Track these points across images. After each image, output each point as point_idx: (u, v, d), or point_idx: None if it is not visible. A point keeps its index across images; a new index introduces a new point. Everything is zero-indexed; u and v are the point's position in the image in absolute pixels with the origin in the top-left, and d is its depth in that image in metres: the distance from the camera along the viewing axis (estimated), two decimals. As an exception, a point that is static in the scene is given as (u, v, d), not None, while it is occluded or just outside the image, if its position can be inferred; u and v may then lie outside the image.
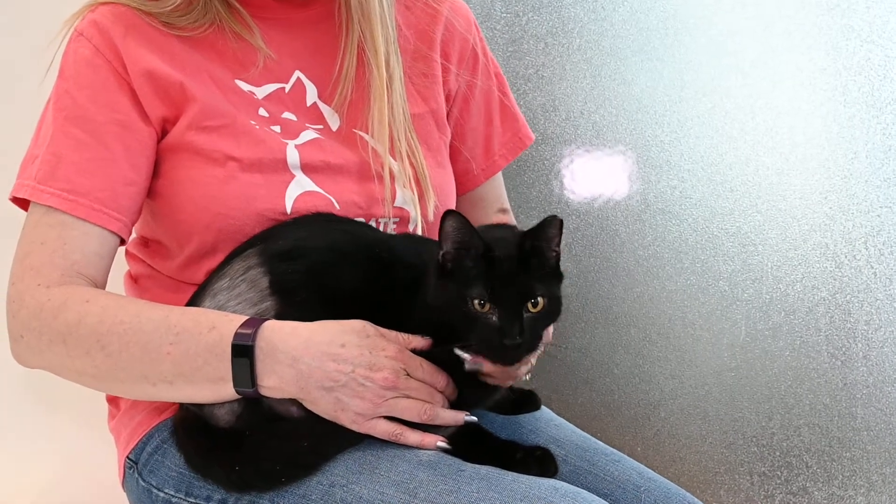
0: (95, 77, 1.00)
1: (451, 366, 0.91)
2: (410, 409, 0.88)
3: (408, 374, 0.88)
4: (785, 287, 1.59)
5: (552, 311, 0.89)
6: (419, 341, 0.91)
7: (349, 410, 0.87)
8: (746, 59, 1.58)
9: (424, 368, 0.90)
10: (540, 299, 0.87)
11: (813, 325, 1.58)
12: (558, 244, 0.90)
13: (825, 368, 1.58)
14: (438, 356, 0.91)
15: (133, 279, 1.13)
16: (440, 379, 0.91)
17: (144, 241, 1.11)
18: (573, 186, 1.63)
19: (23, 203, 1.00)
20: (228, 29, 1.06)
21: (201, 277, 1.01)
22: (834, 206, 1.58)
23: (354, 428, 0.88)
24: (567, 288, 1.60)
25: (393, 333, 0.90)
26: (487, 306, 0.86)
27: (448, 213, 0.87)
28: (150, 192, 1.03)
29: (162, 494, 0.95)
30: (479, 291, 0.85)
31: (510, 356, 0.87)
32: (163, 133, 1.02)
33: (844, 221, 1.58)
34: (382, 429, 0.88)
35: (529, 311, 0.86)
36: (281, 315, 0.91)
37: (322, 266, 0.93)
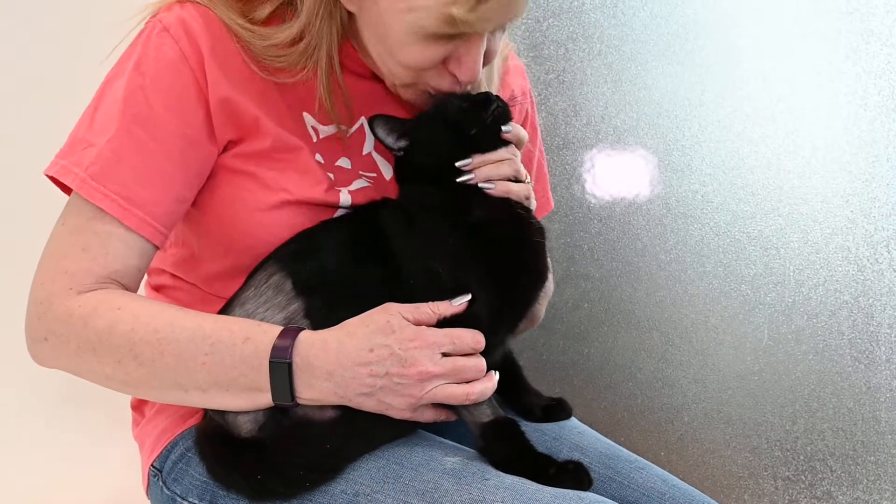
0: (176, 83, 0.93)
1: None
2: (452, 397, 0.87)
3: (444, 354, 0.87)
4: (807, 291, 1.59)
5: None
6: (448, 308, 0.89)
7: (393, 408, 0.87)
8: (766, 63, 1.59)
9: (458, 339, 0.88)
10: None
11: (836, 328, 1.58)
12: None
13: (848, 372, 1.58)
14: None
15: (155, 290, 1.12)
16: (478, 339, 0.89)
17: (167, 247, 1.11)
18: (595, 190, 1.63)
19: (60, 184, 0.94)
20: (320, 83, 1.00)
21: (227, 294, 1.00)
22: (855, 209, 1.58)
23: (404, 419, 0.88)
24: (590, 292, 1.62)
25: (420, 310, 0.88)
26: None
27: (371, 119, 0.98)
28: (194, 202, 1.00)
29: (186, 503, 0.94)
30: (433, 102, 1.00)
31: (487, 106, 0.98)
32: (223, 150, 0.98)
33: (866, 225, 1.57)
34: (430, 417, 0.89)
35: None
36: (311, 312, 0.91)
37: (333, 255, 0.94)
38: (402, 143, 0.99)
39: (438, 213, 0.95)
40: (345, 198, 1.01)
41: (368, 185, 1.05)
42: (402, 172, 1.02)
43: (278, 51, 0.97)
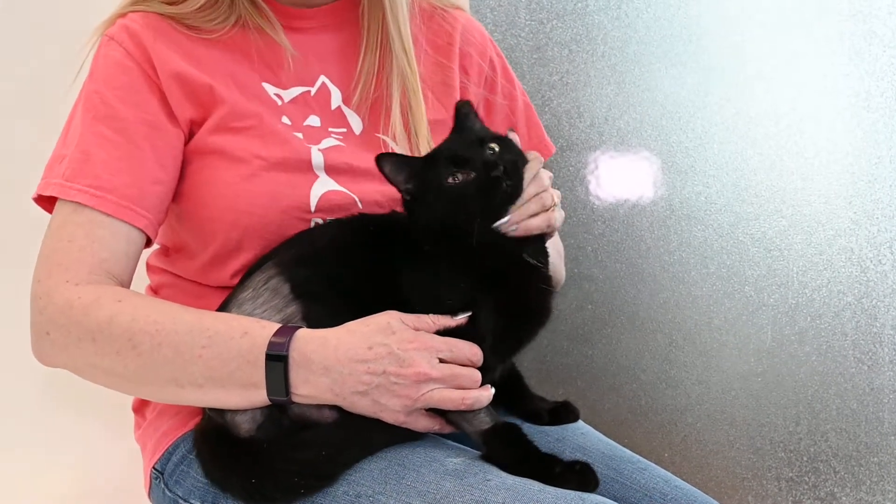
0: (126, 79, 1.00)
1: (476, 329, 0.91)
2: (448, 401, 0.87)
3: (441, 360, 0.87)
4: (811, 292, 1.59)
5: (511, 146, 0.96)
6: (448, 321, 0.90)
7: (388, 409, 0.87)
8: (770, 64, 1.59)
9: (456, 348, 0.88)
10: (494, 144, 0.93)
11: (839, 329, 1.58)
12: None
13: (852, 373, 1.58)
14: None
15: (154, 291, 1.13)
16: (475, 352, 0.89)
17: (165, 251, 1.11)
18: (598, 192, 1.63)
19: (47, 205, 1.00)
20: (254, 27, 1.07)
21: (225, 279, 1.02)
22: (858, 210, 1.58)
23: (397, 423, 0.88)
24: (593, 294, 1.63)
25: (421, 320, 0.89)
26: (460, 175, 0.91)
27: (379, 158, 0.93)
28: (176, 195, 1.03)
29: (187, 505, 0.95)
30: (447, 169, 0.91)
31: (502, 183, 0.91)
32: (190, 135, 1.03)
33: (869, 226, 1.58)
34: (423, 424, 0.89)
35: (493, 150, 0.93)
36: (308, 316, 0.91)
37: (333, 263, 0.94)
38: (409, 187, 0.96)
39: (452, 252, 0.93)
40: (317, 156, 1.03)
41: (339, 143, 1.07)
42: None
43: (205, 13, 1.05)
